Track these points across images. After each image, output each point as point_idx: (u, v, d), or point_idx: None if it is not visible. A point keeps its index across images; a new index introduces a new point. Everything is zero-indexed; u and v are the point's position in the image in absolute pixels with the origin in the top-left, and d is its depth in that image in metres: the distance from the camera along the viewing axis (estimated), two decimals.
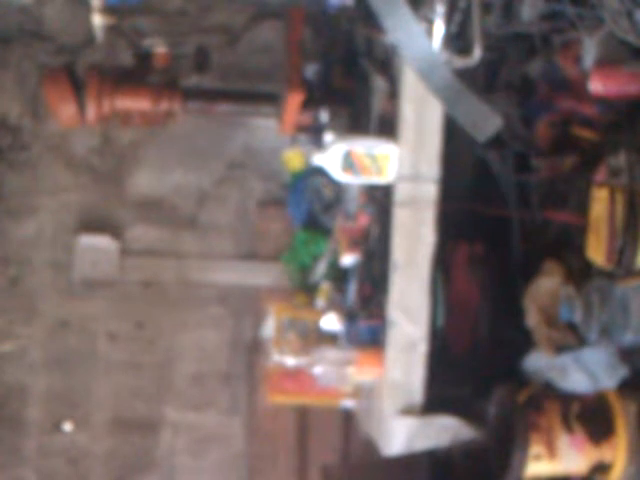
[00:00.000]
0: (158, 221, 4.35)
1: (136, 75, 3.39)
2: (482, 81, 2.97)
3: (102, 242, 4.27)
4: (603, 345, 2.65)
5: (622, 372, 2.69)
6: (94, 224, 4.31)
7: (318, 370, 3.05)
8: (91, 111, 3.33)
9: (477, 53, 2.36)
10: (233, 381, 4.42)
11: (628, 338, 2.55)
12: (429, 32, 2.32)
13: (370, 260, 3.15)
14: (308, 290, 3.69)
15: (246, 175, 4.34)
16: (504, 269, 3.16)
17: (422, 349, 2.85)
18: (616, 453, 2.65)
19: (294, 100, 3.25)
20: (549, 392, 2.76)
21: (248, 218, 4.37)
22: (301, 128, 3.46)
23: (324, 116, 3.33)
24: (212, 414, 4.45)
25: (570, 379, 2.72)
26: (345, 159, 2.83)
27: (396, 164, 2.80)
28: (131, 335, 4.39)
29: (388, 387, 2.88)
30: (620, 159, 2.42)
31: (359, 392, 3.27)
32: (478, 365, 3.07)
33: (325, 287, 3.46)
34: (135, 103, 3.36)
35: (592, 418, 2.67)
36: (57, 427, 4.39)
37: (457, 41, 2.38)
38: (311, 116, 3.36)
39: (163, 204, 4.35)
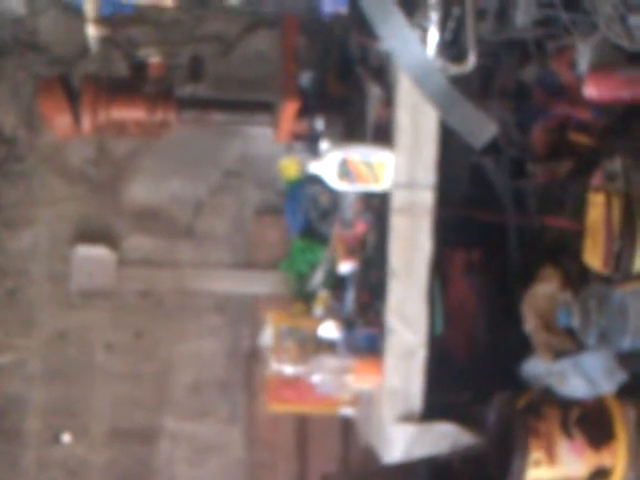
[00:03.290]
0: (155, 231, 4.34)
1: (131, 85, 3.39)
2: (477, 88, 2.97)
3: (99, 252, 4.27)
4: (602, 350, 2.65)
5: (621, 377, 2.68)
6: (90, 235, 4.30)
7: (317, 378, 3.04)
8: (86, 121, 3.33)
9: (472, 60, 2.36)
10: (232, 390, 4.42)
11: (626, 343, 2.54)
12: (423, 39, 2.32)
13: (367, 268, 3.15)
14: (306, 298, 3.69)
15: (242, 184, 4.34)
16: (501, 275, 3.16)
17: (421, 356, 2.84)
18: (616, 458, 2.64)
19: (289, 108, 3.26)
20: (548, 397, 2.76)
21: (245, 227, 4.36)
22: (297, 136, 3.46)
23: (319, 124, 3.33)
24: (211, 423, 4.44)
25: (569, 384, 2.72)
26: (341, 167, 2.83)
27: (392, 171, 2.80)
28: (129, 345, 4.38)
29: (387, 394, 2.88)
30: (616, 164, 2.43)
31: (358, 400, 3.27)
32: (477, 371, 3.07)
33: (323, 295, 3.46)
34: (130, 113, 3.36)
35: (591, 423, 2.67)
36: (56, 438, 4.38)
37: (451, 48, 2.38)
38: (306, 124, 3.36)
39: (159, 214, 4.34)
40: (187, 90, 3.56)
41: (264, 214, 4.33)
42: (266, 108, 3.49)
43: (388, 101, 2.88)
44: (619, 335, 2.53)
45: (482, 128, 2.19)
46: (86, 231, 4.31)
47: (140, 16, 3.90)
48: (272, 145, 3.76)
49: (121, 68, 3.87)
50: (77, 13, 3.11)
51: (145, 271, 4.34)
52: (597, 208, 2.45)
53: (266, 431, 4.33)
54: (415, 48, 2.11)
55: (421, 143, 2.77)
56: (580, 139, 2.79)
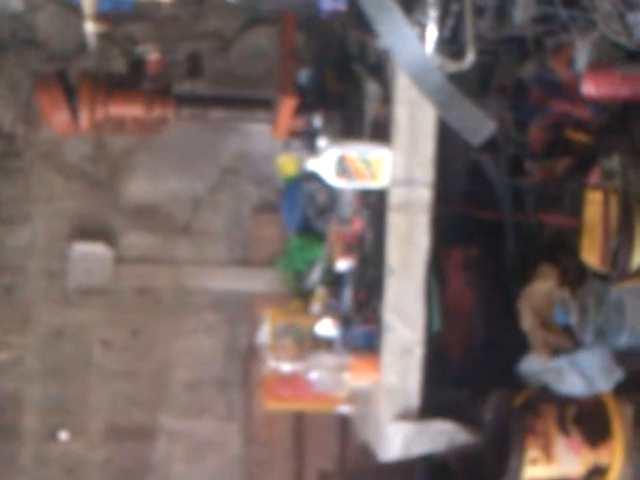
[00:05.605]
0: (152, 228, 4.34)
1: (129, 82, 3.39)
2: (475, 85, 2.97)
3: (96, 250, 4.26)
4: (599, 348, 2.65)
5: (617, 375, 2.68)
6: (88, 232, 4.30)
7: (314, 376, 3.04)
8: (84, 118, 3.33)
9: (470, 57, 2.36)
10: (229, 388, 4.41)
11: (623, 340, 2.55)
12: (422, 36, 2.32)
13: (365, 265, 3.15)
14: (303, 296, 3.69)
15: (240, 181, 4.34)
16: (499, 273, 3.16)
17: (418, 354, 2.84)
18: (613, 456, 2.64)
19: (287, 105, 3.25)
20: (545, 395, 2.76)
21: (242, 224, 4.36)
22: (295, 133, 3.46)
23: (317, 121, 3.33)
24: (208, 421, 4.44)
25: (566, 382, 2.72)
26: (339, 164, 2.83)
27: (390, 168, 2.80)
28: (126, 343, 4.38)
29: (384, 392, 2.87)
30: (614, 162, 2.43)
31: (355, 397, 3.27)
32: (474, 369, 3.07)
33: (320, 292, 3.46)
34: (128, 110, 3.36)
35: (588, 421, 2.67)
36: (53, 436, 4.37)
37: (450, 45, 2.38)
38: (304, 121, 3.36)
39: (157, 211, 4.34)
40: (185, 87, 3.55)
41: (262, 211, 4.33)
42: (264, 105, 3.48)
43: (386, 98, 2.88)
44: (616, 333, 2.54)
45: (480, 125, 2.19)
46: (83, 228, 4.30)
47: (138, 13, 3.87)
48: (270, 142, 3.76)
49: (119, 65, 3.87)
50: (75, 9, 3.10)
51: (142, 268, 4.34)
52: (595, 206, 2.45)
53: (263, 429, 4.33)
54: (413, 45, 2.11)
55: (419, 140, 2.77)
56: (578, 137, 2.79)
